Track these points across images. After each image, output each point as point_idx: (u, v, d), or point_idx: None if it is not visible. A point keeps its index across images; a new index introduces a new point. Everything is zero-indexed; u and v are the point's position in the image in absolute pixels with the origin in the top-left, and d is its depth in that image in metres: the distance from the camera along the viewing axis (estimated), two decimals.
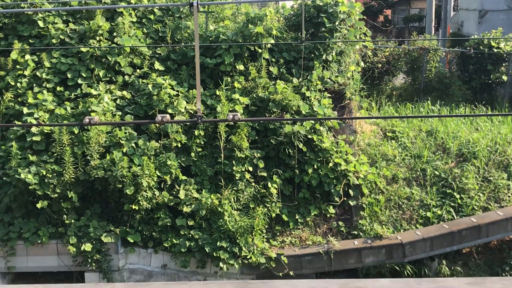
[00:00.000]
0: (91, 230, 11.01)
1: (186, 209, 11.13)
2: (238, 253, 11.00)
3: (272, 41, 12.84)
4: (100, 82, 12.06)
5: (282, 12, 14.06)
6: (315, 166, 12.00)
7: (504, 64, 17.57)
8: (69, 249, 10.90)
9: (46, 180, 10.79)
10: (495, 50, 17.36)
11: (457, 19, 29.97)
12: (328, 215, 12.09)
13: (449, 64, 19.37)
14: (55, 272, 11.57)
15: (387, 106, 16.07)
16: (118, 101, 11.87)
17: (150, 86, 11.89)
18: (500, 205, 12.53)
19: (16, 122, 11.48)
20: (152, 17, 13.29)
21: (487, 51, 17.38)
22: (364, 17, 14.41)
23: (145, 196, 10.99)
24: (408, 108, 15.95)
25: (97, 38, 12.33)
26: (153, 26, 13.20)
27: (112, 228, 11.16)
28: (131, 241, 11.12)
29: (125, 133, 11.36)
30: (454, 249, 11.85)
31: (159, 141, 11.60)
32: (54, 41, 12.24)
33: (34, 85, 11.85)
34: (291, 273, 11.13)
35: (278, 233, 11.75)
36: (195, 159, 11.65)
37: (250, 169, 11.75)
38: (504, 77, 17.36)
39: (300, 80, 12.77)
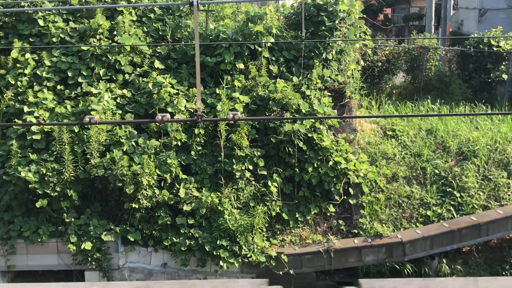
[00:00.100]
0: (91, 229, 11.01)
1: (186, 207, 11.14)
2: (238, 252, 11.01)
3: (272, 40, 12.84)
4: (101, 81, 12.06)
5: (282, 11, 14.05)
6: (315, 165, 12.01)
7: (504, 63, 17.58)
8: (69, 248, 10.91)
9: (46, 179, 10.80)
10: (495, 49, 17.37)
11: (457, 17, 29.97)
12: (328, 214, 12.09)
13: (449, 63, 19.39)
14: (55, 271, 11.58)
15: (387, 104, 16.08)
16: (118, 100, 11.87)
17: (150, 85, 11.89)
18: (500, 203, 12.53)
19: (16, 120, 11.49)
20: (152, 15, 13.29)
21: (487, 50, 17.39)
22: (364, 15, 14.41)
23: (145, 194, 11.00)
24: (408, 106, 15.95)
25: (97, 36, 12.33)
26: (153, 25, 13.20)
27: (112, 227, 11.17)
28: (131, 239, 11.13)
29: (125, 131, 11.37)
30: (454, 247, 11.86)
31: (159, 139, 11.61)
32: (54, 39, 12.24)
33: (35, 83, 11.85)
34: (291, 271, 11.14)
35: (278, 232, 11.75)
36: (195, 158, 11.66)
37: (250, 167, 11.75)
38: (504, 76, 17.37)
39: (300, 78, 12.78)
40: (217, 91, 12.29)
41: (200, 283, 2.95)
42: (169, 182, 11.35)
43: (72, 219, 11.11)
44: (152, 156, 11.21)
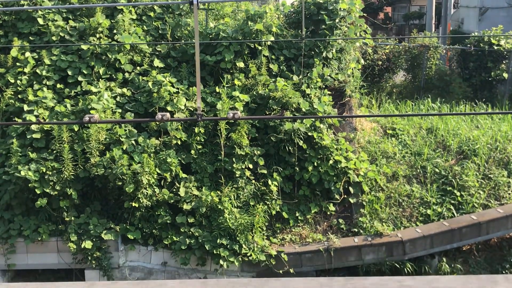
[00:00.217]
0: (91, 228, 11.01)
1: (186, 206, 11.13)
2: (238, 251, 11.00)
3: (272, 38, 12.83)
4: (100, 80, 12.05)
5: (282, 10, 14.04)
6: (315, 164, 12.00)
7: (504, 62, 17.57)
8: (69, 247, 10.91)
9: (46, 178, 10.79)
10: (495, 48, 17.36)
11: (457, 16, 29.95)
12: (328, 213, 12.08)
13: (449, 62, 19.37)
14: (55, 270, 11.58)
15: (387, 103, 16.07)
16: (118, 99, 11.86)
17: (150, 84, 11.88)
18: (500, 202, 12.52)
19: (16, 119, 11.48)
20: (152, 14, 13.28)
21: (487, 49, 17.37)
22: (364, 14, 14.41)
23: (145, 193, 10.99)
24: (408, 105, 15.94)
25: (97, 35, 12.32)
26: (153, 24, 13.19)
27: (112, 226, 11.16)
28: (131, 238, 11.13)
29: (125, 130, 11.36)
30: (454, 246, 11.85)
31: (159, 138, 11.60)
32: (54, 38, 12.22)
33: (34, 82, 11.84)
34: (291, 270, 11.13)
35: (278, 231, 11.75)
36: (195, 157, 11.65)
37: (250, 166, 11.74)
38: (505, 75, 17.36)
39: (300, 77, 12.76)
40: (217, 90, 12.28)
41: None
42: (169, 181, 11.34)
43: (72, 218, 11.11)
44: (152, 155, 11.20)
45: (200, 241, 11.00)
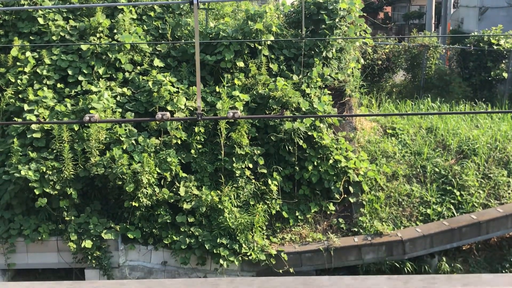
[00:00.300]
0: (91, 227, 11.01)
1: (186, 206, 11.14)
2: (238, 250, 11.01)
3: (272, 38, 12.84)
4: (100, 79, 12.06)
5: (282, 9, 14.05)
6: (315, 163, 12.01)
7: (504, 61, 17.57)
8: (69, 246, 10.91)
9: (46, 177, 10.80)
10: (495, 47, 17.36)
11: (457, 16, 29.96)
12: (328, 212, 12.09)
13: (449, 61, 19.37)
14: (55, 269, 11.58)
15: (387, 103, 16.07)
16: (118, 98, 11.87)
17: (150, 83, 11.89)
18: (500, 202, 12.53)
19: (16, 119, 11.49)
20: (152, 14, 13.28)
21: (487, 48, 17.38)
22: (364, 14, 14.42)
23: (145, 193, 11.00)
24: (408, 105, 15.95)
25: (98, 35, 12.33)
26: (153, 23, 13.20)
27: (112, 225, 11.17)
28: (131, 238, 11.13)
29: (125, 130, 11.36)
30: (454, 246, 11.86)
31: (159, 138, 11.60)
32: (54, 38, 12.23)
33: (35, 82, 11.85)
34: (291, 270, 11.14)
35: (278, 230, 11.75)
36: (195, 156, 11.65)
37: (250, 166, 11.75)
38: (504, 74, 17.36)
39: (300, 77, 12.77)
40: (217, 90, 12.28)
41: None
42: (169, 180, 11.35)
43: (72, 218, 11.11)
44: (152, 154, 11.21)
45: (200, 240, 11.01)
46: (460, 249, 12.21)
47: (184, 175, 11.45)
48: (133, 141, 11.30)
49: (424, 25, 31.37)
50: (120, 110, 11.64)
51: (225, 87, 12.26)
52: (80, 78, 11.98)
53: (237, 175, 11.58)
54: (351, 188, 12.23)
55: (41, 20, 12.37)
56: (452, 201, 12.39)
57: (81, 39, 12.39)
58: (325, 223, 12.02)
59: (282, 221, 11.85)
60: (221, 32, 12.66)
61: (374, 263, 11.57)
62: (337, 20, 13.22)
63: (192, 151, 11.65)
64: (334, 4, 13.17)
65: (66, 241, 11.01)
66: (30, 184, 10.71)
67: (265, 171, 11.84)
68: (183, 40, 12.96)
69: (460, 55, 18.24)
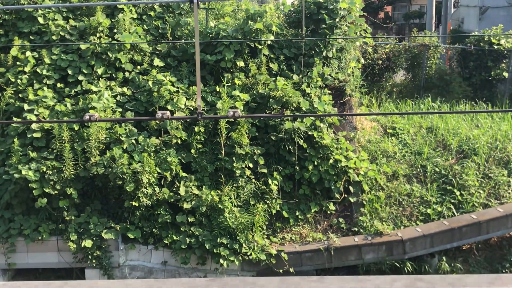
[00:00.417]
0: (92, 227, 11.01)
1: (186, 205, 11.13)
2: (238, 250, 11.01)
3: (272, 38, 12.83)
4: (100, 79, 12.05)
5: (282, 9, 14.05)
6: (316, 163, 12.01)
7: (504, 61, 17.57)
8: (70, 246, 10.91)
9: (46, 177, 10.80)
10: (496, 47, 17.36)
11: (457, 15, 29.96)
12: (328, 212, 12.09)
13: (449, 61, 19.37)
14: (56, 269, 11.58)
15: (388, 102, 16.07)
16: (118, 98, 11.86)
17: (150, 83, 11.88)
18: (500, 201, 12.53)
19: (15, 119, 11.48)
20: (152, 13, 13.28)
21: (487, 48, 17.38)
22: (364, 13, 14.42)
23: (145, 192, 10.99)
24: (408, 104, 15.95)
25: (98, 34, 12.32)
26: (153, 23, 13.19)
27: (112, 225, 11.17)
28: (132, 237, 11.13)
29: (125, 129, 11.36)
30: (454, 245, 11.86)
31: (160, 137, 11.60)
32: (54, 37, 12.23)
33: (35, 81, 11.85)
34: (291, 269, 11.14)
35: (278, 230, 11.75)
36: (195, 156, 11.65)
37: (251, 165, 11.75)
38: (505, 74, 17.36)
39: (300, 76, 12.76)
40: (217, 89, 12.28)
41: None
42: (169, 180, 11.35)
43: (72, 217, 11.11)
44: (152, 154, 11.21)
45: (200, 240, 11.01)
46: (460, 249, 12.20)
47: (184, 174, 11.45)
48: (133, 141, 11.29)
49: (425, 25, 31.36)
50: (120, 109, 11.63)
51: (225, 87, 12.25)
52: (80, 77, 11.97)
53: (237, 174, 11.58)
54: (351, 188, 12.23)
55: (41, 20, 12.37)
56: (452, 200, 12.39)
57: (81, 38, 12.39)
58: (325, 222, 12.02)
59: (282, 220, 11.84)
60: (221, 32, 12.66)
61: (374, 263, 11.57)
62: (337, 19, 13.22)
63: (192, 150, 11.64)
64: (334, 4, 13.16)
65: (66, 241, 11.01)
66: (29, 184, 10.71)
67: (265, 170, 11.83)
68: (183, 40, 12.96)
69: (461, 54, 18.23)
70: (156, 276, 11.39)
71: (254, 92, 12.28)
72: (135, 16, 12.96)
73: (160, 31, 13.17)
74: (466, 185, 12.60)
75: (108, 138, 11.23)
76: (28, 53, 12.02)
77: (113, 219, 11.34)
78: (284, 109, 11.89)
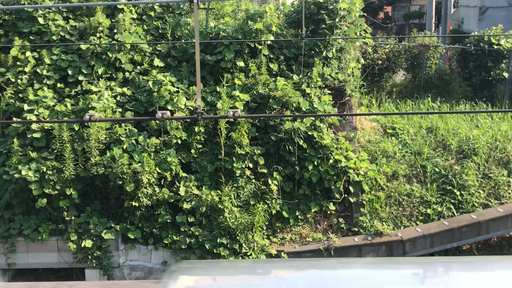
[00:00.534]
0: (92, 227, 11.02)
1: (186, 205, 11.14)
2: (238, 250, 11.01)
3: (272, 38, 12.83)
4: (100, 79, 12.06)
5: (282, 9, 14.05)
6: (315, 163, 12.01)
7: (504, 61, 17.57)
8: (70, 246, 10.91)
9: (46, 177, 10.80)
10: (495, 47, 17.36)
11: (457, 16, 29.97)
12: (328, 212, 12.10)
13: (449, 61, 19.37)
14: (56, 269, 11.58)
15: (387, 103, 16.08)
16: (118, 98, 11.86)
17: (150, 83, 11.89)
18: (500, 201, 12.54)
19: (15, 119, 11.48)
20: (152, 14, 13.28)
21: (487, 48, 17.38)
22: (364, 14, 14.42)
23: (145, 192, 11.00)
24: (408, 105, 15.95)
25: (98, 35, 12.33)
26: (153, 23, 13.19)
27: (112, 225, 11.17)
28: (132, 237, 11.14)
29: (125, 129, 11.36)
30: (454, 246, 11.87)
31: (159, 137, 11.60)
32: (54, 37, 12.23)
33: (35, 81, 11.84)
34: None
35: (278, 230, 11.76)
36: (195, 156, 11.65)
37: (251, 165, 11.75)
38: (505, 74, 17.37)
39: (300, 76, 12.77)
40: (217, 89, 12.28)
41: None
42: (169, 180, 11.35)
43: (73, 217, 11.11)
44: (152, 154, 11.21)
45: (200, 240, 11.01)
46: (460, 249, 12.21)
47: (184, 175, 11.45)
48: (133, 141, 11.30)
49: (424, 25, 31.36)
50: (120, 110, 11.64)
51: (225, 87, 12.26)
52: (80, 78, 11.98)
53: (237, 175, 11.58)
54: (351, 188, 12.24)
55: (41, 20, 12.37)
56: (452, 201, 12.40)
57: (81, 39, 12.39)
58: (325, 223, 12.03)
59: (282, 221, 11.85)
60: (221, 32, 12.66)
61: None
62: (337, 20, 13.22)
63: (192, 151, 11.65)
64: (334, 4, 13.16)
65: (66, 241, 11.02)
66: (29, 185, 10.71)
67: (265, 171, 11.84)
68: (183, 40, 12.96)
69: (460, 55, 18.23)
70: (156, 276, 11.40)
71: (254, 92, 12.28)
72: (135, 16, 12.97)
73: (160, 31, 13.17)
74: (466, 185, 12.61)
75: (108, 138, 11.23)
76: (28, 53, 12.02)
77: (113, 219, 11.34)
78: (284, 109, 11.90)
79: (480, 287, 4.39)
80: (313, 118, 12.02)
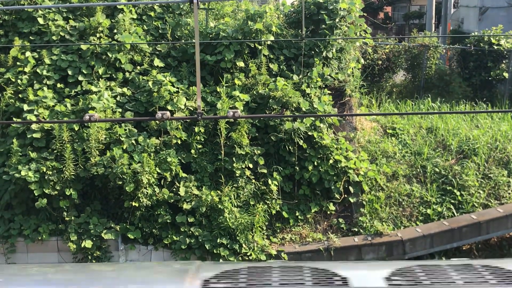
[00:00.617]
0: (92, 227, 11.02)
1: (186, 206, 11.14)
2: (238, 250, 11.01)
3: (272, 38, 12.83)
4: (100, 79, 12.05)
5: (282, 9, 14.05)
6: (315, 163, 12.01)
7: (504, 61, 17.58)
8: (70, 246, 10.91)
9: (46, 177, 10.80)
10: (496, 47, 17.37)
11: (457, 16, 29.97)
12: (328, 212, 12.09)
13: (449, 61, 19.38)
14: None
15: (387, 103, 16.08)
16: (118, 98, 11.86)
17: (150, 83, 11.88)
18: (500, 202, 12.53)
19: (15, 119, 11.48)
20: (152, 14, 13.28)
21: (487, 48, 17.38)
22: (364, 14, 14.41)
23: (145, 193, 11.00)
24: (408, 105, 15.96)
25: (97, 35, 12.33)
26: (153, 23, 13.19)
27: (112, 225, 11.17)
28: (131, 237, 11.13)
29: (125, 130, 11.36)
30: (454, 246, 11.86)
31: (159, 138, 11.60)
32: (54, 38, 12.23)
33: (35, 82, 11.84)
34: None
35: (278, 230, 11.76)
36: (195, 156, 11.65)
37: (250, 166, 11.75)
38: (505, 74, 17.37)
39: (300, 77, 12.77)
40: (217, 89, 12.28)
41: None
42: (169, 180, 11.35)
43: (72, 218, 11.11)
44: (152, 154, 11.21)
45: (200, 240, 11.01)
46: (460, 249, 12.21)
47: (184, 175, 11.45)
48: (133, 141, 11.30)
49: (424, 25, 31.37)
50: (120, 110, 11.64)
51: (225, 87, 12.25)
52: (80, 78, 11.97)
53: (237, 175, 11.58)
54: (351, 188, 12.23)
55: (41, 20, 12.37)
56: (452, 201, 12.39)
57: (81, 39, 12.39)
58: (325, 223, 12.03)
59: (282, 221, 11.85)
60: (221, 32, 12.66)
61: None
62: (337, 20, 13.22)
63: (192, 151, 11.65)
64: (334, 4, 13.16)
65: (66, 241, 11.02)
66: (29, 186, 10.71)
67: (265, 171, 11.84)
68: (183, 40, 12.96)
69: (460, 55, 18.24)
70: None
71: (254, 92, 12.28)
72: (135, 16, 12.96)
73: (160, 31, 13.17)
74: (466, 185, 12.61)
75: (108, 139, 11.23)
76: (28, 54, 12.02)
77: (113, 220, 11.34)
78: (284, 110, 11.90)
79: None
80: (313, 118, 12.02)
